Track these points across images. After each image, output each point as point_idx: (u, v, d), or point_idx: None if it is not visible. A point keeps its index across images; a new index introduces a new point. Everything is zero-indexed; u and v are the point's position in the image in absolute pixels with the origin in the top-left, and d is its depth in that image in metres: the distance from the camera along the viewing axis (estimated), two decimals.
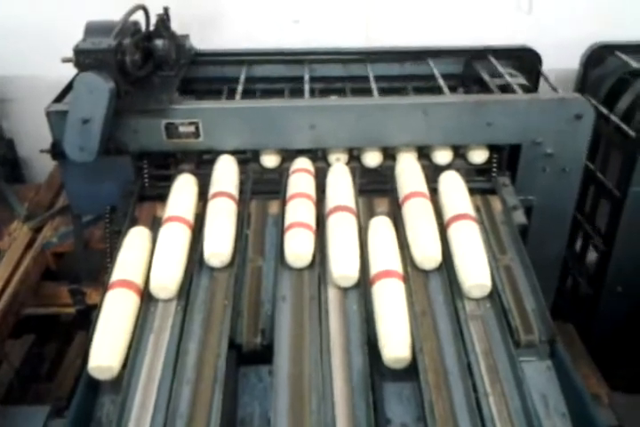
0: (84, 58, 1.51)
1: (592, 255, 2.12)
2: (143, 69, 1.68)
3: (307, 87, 1.86)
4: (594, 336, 1.98)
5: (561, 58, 2.25)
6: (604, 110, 2.03)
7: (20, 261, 1.89)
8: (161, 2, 1.89)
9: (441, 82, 1.91)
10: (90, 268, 1.92)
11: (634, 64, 2.03)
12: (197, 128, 1.65)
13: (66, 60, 1.54)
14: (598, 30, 2.21)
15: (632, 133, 1.85)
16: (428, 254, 1.39)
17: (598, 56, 2.19)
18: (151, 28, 1.77)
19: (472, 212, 1.52)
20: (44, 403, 1.72)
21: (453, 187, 1.61)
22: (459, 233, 1.45)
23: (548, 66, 2.17)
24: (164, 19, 1.79)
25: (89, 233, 1.91)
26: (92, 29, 1.66)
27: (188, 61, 1.96)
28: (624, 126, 1.90)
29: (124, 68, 1.55)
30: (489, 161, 1.78)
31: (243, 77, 1.93)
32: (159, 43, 1.73)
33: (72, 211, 1.81)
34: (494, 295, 1.34)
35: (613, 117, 1.97)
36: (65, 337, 2.32)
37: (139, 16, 1.77)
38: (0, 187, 2.20)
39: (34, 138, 1.74)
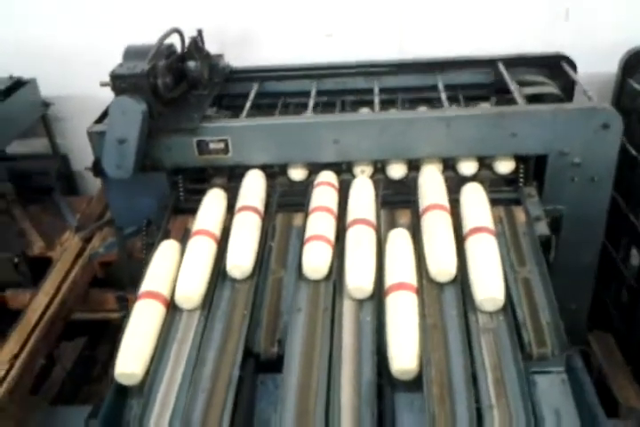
0: (119, 82, 1.62)
1: (635, 263, 2.06)
2: (176, 90, 1.79)
3: (338, 101, 1.91)
4: (633, 347, 1.92)
5: (599, 63, 2.21)
6: None
7: (70, 270, 2.03)
8: (201, 23, 2.02)
9: (468, 93, 1.92)
10: (133, 276, 2.04)
11: None
12: (227, 145, 1.74)
13: (104, 84, 1.67)
14: (636, 35, 2.16)
15: None
16: (442, 267, 1.41)
17: (637, 61, 2.13)
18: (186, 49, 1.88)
19: (491, 224, 1.53)
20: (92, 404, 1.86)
21: (474, 199, 1.62)
22: (475, 246, 1.46)
23: (586, 71, 2.15)
24: (197, 40, 1.89)
25: (132, 244, 2.03)
26: (130, 53, 1.78)
27: (223, 79, 2.05)
28: None
29: (157, 90, 1.66)
30: (515, 171, 1.78)
31: (277, 92, 2.01)
32: (192, 64, 1.83)
33: (115, 223, 1.93)
34: (508, 308, 1.35)
35: None
36: (116, 340, 2.46)
37: (175, 39, 1.89)
38: (55, 199, 2.37)
39: (87, 154, 1.88)
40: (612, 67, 2.21)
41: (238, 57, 2.22)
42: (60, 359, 2.18)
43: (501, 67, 2.06)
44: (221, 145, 1.74)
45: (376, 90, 2.04)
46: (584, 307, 1.88)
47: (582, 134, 1.69)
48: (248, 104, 1.93)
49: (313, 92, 2.01)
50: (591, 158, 1.70)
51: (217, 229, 1.59)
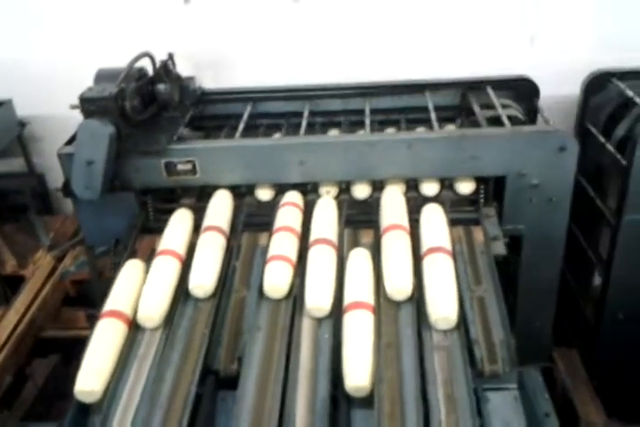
0: (88, 105, 1.66)
1: (598, 282, 2.12)
2: (146, 112, 1.83)
3: (304, 123, 1.97)
4: (596, 363, 1.97)
5: (562, 86, 2.29)
6: (601, 139, 2.04)
7: (42, 289, 2.06)
8: (176, 46, 2.07)
9: (433, 115, 1.99)
10: (104, 295, 2.06)
11: (630, 92, 2.03)
12: (194, 166, 1.78)
13: (73, 107, 1.71)
14: (599, 57, 2.23)
15: (624, 162, 1.86)
16: (398, 286, 1.45)
17: (598, 83, 2.20)
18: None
19: (448, 244, 1.57)
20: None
21: (433, 219, 1.67)
22: (432, 266, 1.50)
23: (550, 94, 2.22)
24: (167, 63, 1.94)
25: (103, 263, 2.05)
26: (101, 76, 1.83)
27: (194, 101, 2.10)
28: (618, 155, 1.91)
29: (125, 113, 1.70)
30: (476, 192, 1.83)
31: (246, 114, 2.06)
32: (161, 87, 1.87)
33: (86, 242, 1.96)
34: (461, 327, 1.39)
35: (609, 146, 1.98)
36: None
37: (148, 62, 1.94)
38: (29, 218, 2.40)
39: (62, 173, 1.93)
40: (575, 89, 2.28)
41: (213, 79, 2.29)
42: (33, 376, 2.19)
43: (468, 90, 2.14)
44: (189, 166, 1.78)
45: (346, 111, 2.10)
46: (547, 324, 1.92)
47: (540, 157, 1.74)
48: (218, 125, 1.97)
49: (290, 114, 2.08)
50: (548, 180, 1.76)
51: (182, 249, 1.62)
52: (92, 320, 2.11)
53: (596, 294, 2.00)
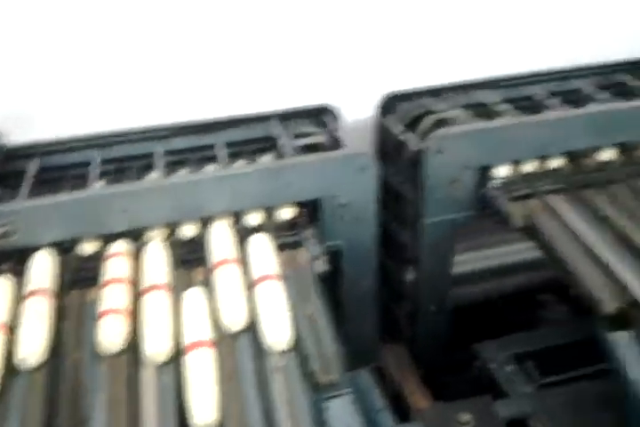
0: None
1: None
2: None
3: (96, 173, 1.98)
4: (418, 353, 2.22)
5: (360, 109, 2.54)
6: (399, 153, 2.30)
7: None
8: None
9: (250, 148, 2.11)
10: None
11: (419, 109, 2.31)
12: (9, 228, 1.72)
13: None
14: (389, 81, 2.50)
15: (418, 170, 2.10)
16: (232, 318, 1.53)
17: (392, 103, 2.47)
18: None
19: (276, 270, 1.70)
20: None
21: (259, 248, 1.78)
22: (262, 293, 1.61)
23: (350, 118, 2.46)
24: None
25: None
26: None
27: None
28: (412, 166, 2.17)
29: None
30: (298, 216, 1.99)
31: (60, 165, 2.04)
32: None
33: None
34: (296, 346, 1.51)
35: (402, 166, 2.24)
36: None
37: None
38: None
39: None
40: (372, 110, 2.54)
41: (18, 133, 2.21)
42: None
43: (278, 121, 2.30)
44: (4, 229, 1.73)
45: (162, 153, 2.15)
46: (373, 327, 2.13)
47: (345, 178, 1.94)
48: (28, 182, 1.92)
49: (97, 162, 2.08)
50: (354, 199, 1.96)
51: (4, 320, 1.56)
52: None
53: (410, 290, 2.26)
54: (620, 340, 1.61)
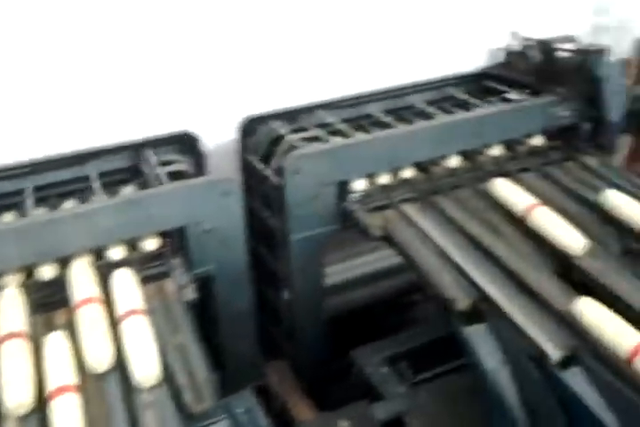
0: None
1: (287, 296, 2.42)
2: None
3: None
4: (299, 367, 2.28)
5: (222, 132, 2.57)
6: (263, 172, 2.35)
7: None
8: None
9: (113, 179, 2.07)
10: None
11: (279, 131, 2.38)
12: None
13: None
14: (246, 104, 2.56)
15: (281, 190, 2.17)
16: (97, 359, 1.51)
17: (252, 126, 2.52)
18: None
19: (141, 304, 1.68)
20: None
21: (122, 284, 1.76)
22: (128, 329, 1.59)
23: (214, 142, 2.49)
24: None
25: None
26: None
27: None
28: (275, 185, 2.23)
29: None
30: (164, 246, 1.98)
31: None
32: None
33: None
34: (167, 378, 1.51)
35: (270, 177, 2.29)
36: None
37: None
38: None
39: None
40: (234, 133, 2.58)
41: None
42: None
43: (139, 151, 2.28)
44: None
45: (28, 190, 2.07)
46: (254, 345, 2.16)
47: (208, 204, 1.96)
48: None
49: None
50: (220, 224, 1.98)
51: None
52: None
53: (287, 307, 2.32)
54: (474, 333, 1.76)
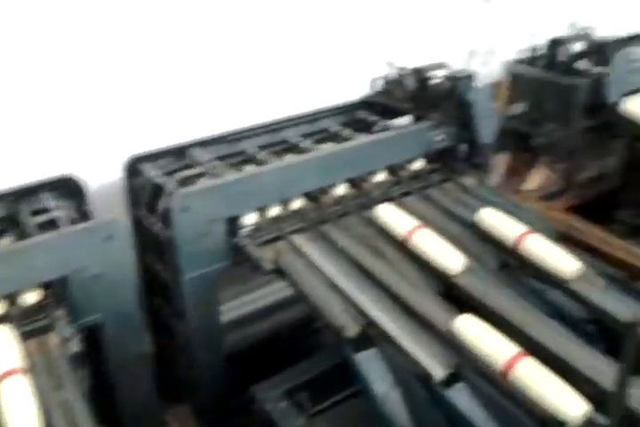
0: None
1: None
2: None
3: None
4: (199, 409, 2.25)
5: (107, 174, 2.51)
6: (150, 218, 2.30)
7: None
8: None
9: None
10: None
11: (159, 180, 2.33)
12: None
13: None
14: (134, 143, 2.51)
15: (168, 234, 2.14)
16: None
17: (135, 167, 2.47)
18: None
19: (19, 363, 1.61)
20: None
21: None
22: (5, 391, 1.52)
23: (99, 184, 2.43)
24: None
25: None
26: None
27: None
28: (163, 229, 2.19)
29: None
30: (45, 298, 1.90)
31: None
32: None
33: None
34: None
35: (157, 222, 2.25)
36: None
37: None
38: None
39: None
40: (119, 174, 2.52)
41: None
42: None
43: (19, 199, 2.18)
44: None
45: None
46: (151, 392, 2.11)
47: (93, 249, 1.89)
48: None
49: None
50: (105, 269, 1.92)
51: None
52: None
53: (184, 347, 2.28)
54: (364, 359, 1.81)
